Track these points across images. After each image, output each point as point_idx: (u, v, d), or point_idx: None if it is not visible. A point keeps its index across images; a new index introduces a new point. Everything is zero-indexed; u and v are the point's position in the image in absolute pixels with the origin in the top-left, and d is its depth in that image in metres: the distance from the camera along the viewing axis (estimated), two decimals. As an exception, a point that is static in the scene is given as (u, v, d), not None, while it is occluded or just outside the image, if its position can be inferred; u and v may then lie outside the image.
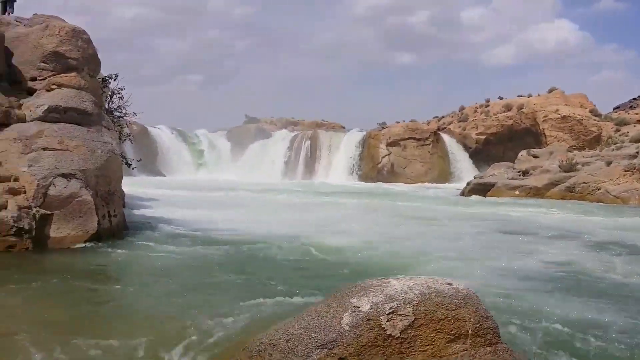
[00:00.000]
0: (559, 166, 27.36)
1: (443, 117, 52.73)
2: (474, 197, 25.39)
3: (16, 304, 5.57)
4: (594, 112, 44.06)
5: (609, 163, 26.50)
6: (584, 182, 24.75)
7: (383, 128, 46.10)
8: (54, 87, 10.21)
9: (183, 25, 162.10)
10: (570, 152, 33.22)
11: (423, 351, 3.50)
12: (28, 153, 9.18)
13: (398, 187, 36.39)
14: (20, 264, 7.46)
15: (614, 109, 47.35)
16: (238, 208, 17.07)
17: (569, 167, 26.82)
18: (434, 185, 39.06)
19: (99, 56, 11.43)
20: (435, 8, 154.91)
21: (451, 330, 3.60)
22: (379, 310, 3.51)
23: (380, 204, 20.64)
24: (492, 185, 27.53)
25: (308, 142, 46.53)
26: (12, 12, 13.62)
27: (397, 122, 48.37)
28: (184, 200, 19.29)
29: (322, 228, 12.25)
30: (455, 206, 20.28)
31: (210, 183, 32.26)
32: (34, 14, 12.86)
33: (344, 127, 62.28)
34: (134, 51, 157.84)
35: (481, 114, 47.57)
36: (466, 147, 45.05)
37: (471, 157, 44.57)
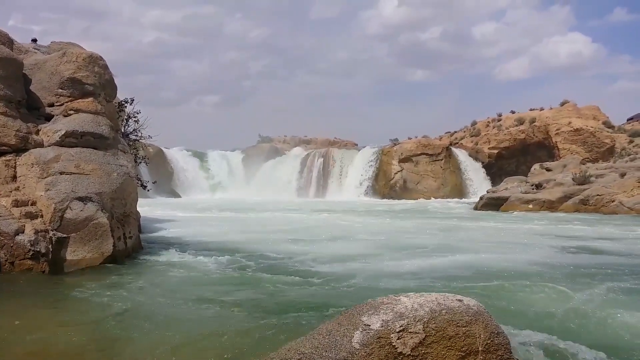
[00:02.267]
0: (573, 179, 27.22)
1: (455, 132, 52.72)
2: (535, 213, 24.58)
3: (31, 327, 5.67)
4: (607, 124, 43.81)
5: (622, 175, 26.32)
6: (598, 195, 24.58)
7: (395, 144, 46.22)
8: (71, 112, 10.43)
9: (200, 48, 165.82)
10: (584, 164, 33.03)
11: (434, 368, 3.52)
12: (45, 177, 9.37)
13: (418, 202, 36.78)
14: (36, 287, 7.54)
15: (628, 120, 47.00)
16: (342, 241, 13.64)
17: (583, 180, 26.66)
18: (455, 200, 39.09)
19: (117, 81, 11.67)
20: (448, 24, 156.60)
21: (462, 347, 3.61)
22: (389, 328, 3.53)
23: (481, 227, 17.40)
24: (505, 199, 27.43)
25: (321, 160, 46.75)
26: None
27: (409, 138, 48.44)
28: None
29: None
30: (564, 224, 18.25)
31: (232, 204, 32.17)
32: (52, 42, 13.23)
33: (356, 145, 62.64)
34: (153, 74, 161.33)
35: (493, 128, 47.51)
36: (479, 162, 44.94)
37: (484, 171, 44.44)
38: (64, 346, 5.04)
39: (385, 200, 39.08)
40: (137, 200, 11.19)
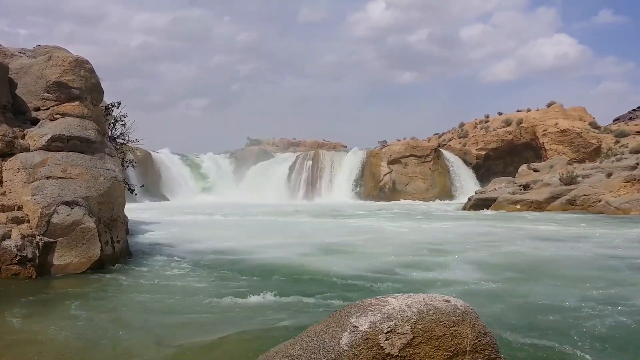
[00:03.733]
0: (560, 179, 27.45)
1: (443, 133, 52.98)
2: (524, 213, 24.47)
3: (17, 332, 5.62)
4: (594, 125, 44.25)
5: (609, 175, 26.59)
6: (585, 195, 24.82)
7: (384, 146, 46.30)
8: (57, 116, 10.35)
9: (188, 51, 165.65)
10: (570, 164, 33.31)
11: (422, 369, 3.54)
12: (32, 182, 9.29)
13: (412, 204, 36.96)
14: (23, 293, 7.47)
15: (614, 120, 47.57)
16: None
17: (570, 180, 26.91)
18: (445, 201, 39.28)
19: (104, 85, 11.59)
20: (435, 26, 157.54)
21: (450, 347, 3.62)
22: (377, 329, 3.54)
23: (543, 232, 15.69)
24: (494, 200, 27.61)
25: (310, 162, 46.73)
26: None
27: (398, 140, 48.57)
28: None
29: None
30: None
31: (221, 207, 31.78)
32: (37, 45, 13.10)
33: (345, 147, 62.70)
34: (141, 78, 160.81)
35: (481, 129, 47.79)
36: (467, 163, 45.19)
37: (472, 172, 44.69)
38: (44, 354, 4.98)
39: (376, 202, 39.12)
40: (124, 204, 11.12)
